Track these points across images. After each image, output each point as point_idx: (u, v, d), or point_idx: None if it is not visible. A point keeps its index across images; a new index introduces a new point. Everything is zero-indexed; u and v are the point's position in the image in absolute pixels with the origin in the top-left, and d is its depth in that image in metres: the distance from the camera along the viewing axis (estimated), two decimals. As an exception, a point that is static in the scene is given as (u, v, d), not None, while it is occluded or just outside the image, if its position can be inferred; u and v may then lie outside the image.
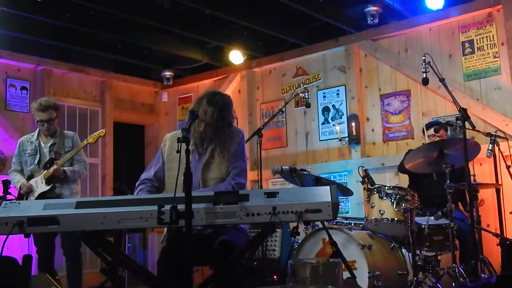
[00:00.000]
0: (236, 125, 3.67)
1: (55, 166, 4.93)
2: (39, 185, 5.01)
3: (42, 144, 5.14)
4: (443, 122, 5.40)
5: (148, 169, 3.61)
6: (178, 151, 2.67)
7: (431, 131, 5.08)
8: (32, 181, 5.03)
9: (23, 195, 5.03)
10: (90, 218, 2.76)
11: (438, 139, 4.97)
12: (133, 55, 7.78)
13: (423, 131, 5.23)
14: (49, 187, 4.97)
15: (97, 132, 5.28)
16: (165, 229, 3.31)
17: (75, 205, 2.82)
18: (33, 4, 6.03)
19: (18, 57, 6.98)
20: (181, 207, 2.58)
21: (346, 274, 3.70)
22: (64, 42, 7.09)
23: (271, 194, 2.77)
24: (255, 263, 4.95)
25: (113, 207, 2.79)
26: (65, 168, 5.01)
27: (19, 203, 2.90)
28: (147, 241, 7.84)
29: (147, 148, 8.61)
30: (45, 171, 4.99)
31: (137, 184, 3.57)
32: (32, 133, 5.29)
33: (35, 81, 7.19)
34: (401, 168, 5.14)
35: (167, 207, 2.60)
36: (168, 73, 8.17)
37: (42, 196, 4.94)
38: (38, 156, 5.10)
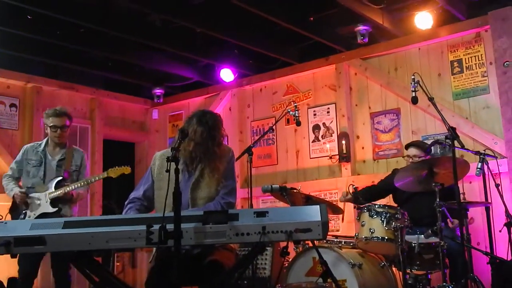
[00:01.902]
0: (226, 143, 3.67)
1: (66, 189, 4.79)
2: (43, 203, 4.81)
3: (49, 156, 4.97)
4: (433, 140, 5.42)
5: (137, 188, 3.59)
6: (168, 170, 2.66)
7: (406, 151, 5.22)
8: (34, 195, 4.82)
9: (17, 205, 4.82)
10: (77, 238, 2.73)
11: (412, 160, 5.09)
12: (124, 73, 7.78)
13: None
14: (55, 209, 4.80)
15: (121, 168, 5.05)
16: (154, 248, 3.28)
17: (63, 225, 2.79)
18: (23, 21, 6.03)
19: (7, 74, 6.95)
20: (170, 226, 2.56)
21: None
22: (55, 60, 7.08)
23: (261, 214, 2.76)
24: (245, 282, 4.91)
25: (101, 226, 2.76)
26: (73, 191, 4.86)
27: (6, 222, 2.86)
28: (136, 260, 7.76)
29: (137, 165, 8.56)
30: (51, 190, 4.82)
31: (126, 203, 3.54)
32: (39, 142, 5.10)
33: (25, 98, 7.15)
34: (385, 186, 5.19)
35: (156, 226, 2.58)
36: (158, 91, 8.17)
37: (43, 216, 4.75)
38: (43, 168, 4.92)
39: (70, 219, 2.84)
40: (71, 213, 4.97)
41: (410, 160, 5.14)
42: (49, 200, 4.82)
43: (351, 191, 5.00)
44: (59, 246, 2.76)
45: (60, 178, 4.89)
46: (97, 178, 5.07)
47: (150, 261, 3.39)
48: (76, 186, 4.85)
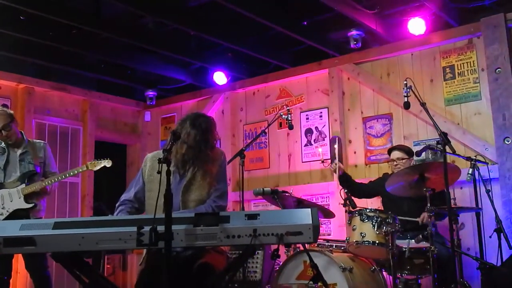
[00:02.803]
0: (219, 146, 3.67)
1: (43, 184, 4.67)
2: (15, 199, 4.68)
3: (11, 149, 4.82)
4: (425, 145, 5.44)
5: (128, 190, 3.58)
6: (159, 172, 2.65)
7: (390, 156, 5.29)
8: (3, 192, 4.69)
9: None
10: (68, 239, 2.71)
11: (396, 163, 5.17)
12: (116, 75, 7.76)
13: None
14: (30, 205, 4.69)
15: (100, 160, 4.94)
16: (144, 251, 3.27)
17: (53, 226, 2.77)
18: (16, 22, 6.01)
19: (-1, 74, 6.92)
20: (160, 228, 2.56)
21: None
22: (47, 61, 7.04)
23: (252, 216, 2.75)
24: (236, 285, 4.90)
25: (92, 228, 2.75)
26: (48, 185, 4.74)
27: (-5, 223, 2.84)
28: (126, 263, 7.74)
29: (129, 168, 8.54)
30: (23, 185, 4.70)
31: (117, 205, 3.53)
32: None
33: (16, 98, 7.12)
34: (372, 189, 5.23)
35: (147, 228, 2.57)
36: (151, 93, 8.16)
37: (17, 212, 4.66)
38: (5, 158, 4.77)
39: (60, 220, 2.82)
40: (41, 207, 4.85)
41: (394, 163, 5.21)
42: (22, 196, 4.70)
43: (343, 196, 5.01)
44: (49, 247, 2.74)
45: (31, 171, 4.78)
46: (75, 171, 4.96)
47: (140, 263, 3.38)
48: (53, 180, 4.75)
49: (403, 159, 5.18)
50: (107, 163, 4.97)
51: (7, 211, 4.71)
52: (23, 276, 6.38)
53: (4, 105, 5.50)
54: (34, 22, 6.08)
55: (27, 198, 4.74)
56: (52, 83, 7.46)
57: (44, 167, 4.93)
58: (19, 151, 4.88)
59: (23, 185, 4.75)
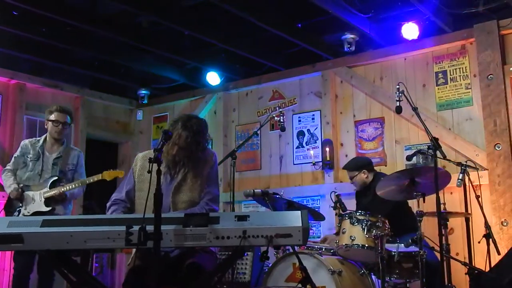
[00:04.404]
0: (210, 147, 3.67)
1: (61, 189, 4.84)
2: (37, 201, 4.86)
3: (47, 153, 5.03)
4: (416, 150, 5.46)
5: (120, 190, 3.56)
6: (149, 171, 2.64)
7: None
8: (29, 193, 4.88)
9: (12, 202, 4.90)
10: (55, 237, 2.70)
11: (352, 181, 5.34)
12: (109, 73, 7.73)
13: None
14: (48, 209, 4.85)
15: (115, 171, 5.09)
16: (133, 250, 3.26)
17: (41, 223, 2.76)
18: (9, 17, 5.97)
19: (-9, 70, 6.88)
20: (150, 228, 2.55)
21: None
22: (40, 57, 7.00)
23: (242, 218, 2.75)
24: (224, 287, 4.89)
25: (80, 226, 2.74)
26: (66, 191, 4.90)
27: (-18, 220, 2.83)
28: (115, 261, 7.70)
29: (120, 166, 8.47)
30: (47, 189, 4.87)
31: (108, 204, 3.51)
32: (38, 138, 5.18)
33: (8, 94, 7.08)
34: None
35: (136, 227, 2.56)
36: (143, 92, 8.13)
37: (37, 214, 4.77)
38: (40, 164, 4.98)
39: (48, 218, 2.81)
40: (64, 212, 4.97)
41: (352, 181, 5.37)
42: (43, 199, 4.86)
43: (334, 199, 5.01)
44: (37, 245, 2.73)
45: (55, 177, 4.94)
46: (91, 180, 5.08)
47: (129, 263, 3.37)
48: (70, 187, 4.90)
49: (353, 176, 5.31)
50: (120, 174, 5.11)
51: (28, 212, 4.86)
52: (5, 276, 6.34)
53: None
54: (27, 18, 6.04)
55: (48, 201, 4.88)
56: (44, 79, 7.42)
57: (74, 174, 5.10)
58: (53, 155, 5.04)
59: (46, 189, 4.90)
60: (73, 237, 2.69)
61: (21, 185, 4.92)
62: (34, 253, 4.70)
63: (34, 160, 4.98)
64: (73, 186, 4.90)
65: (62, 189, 4.85)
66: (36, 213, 4.81)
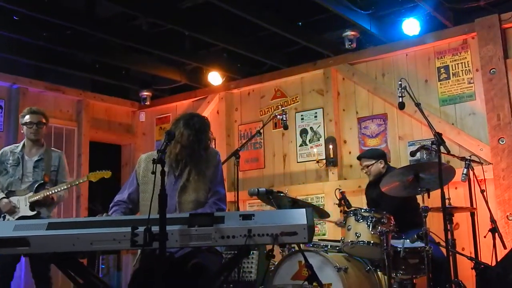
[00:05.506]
0: (213, 146, 3.66)
1: (47, 193, 4.82)
2: (22, 206, 4.83)
3: (26, 157, 4.99)
4: (419, 146, 5.44)
5: (122, 191, 3.56)
6: (153, 172, 2.64)
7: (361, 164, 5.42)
8: (14, 199, 4.84)
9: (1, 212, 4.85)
10: (62, 240, 2.70)
11: (365, 170, 5.32)
12: (111, 75, 7.74)
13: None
14: (33, 213, 4.82)
15: (101, 172, 5.10)
16: (139, 251, 3.25)
17: (47, 226, 2.76)
18: (9, 22, 5.98)
19: (-7, 75, 6.89)
20: (155, 229, 2.55)
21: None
22: (41, 61, 7.01)
23: (247, 217, 2.74)
24: (231, 286, 4.89)
25: (86, 228, 2.74)
26: (53, 194, 4.88)
27: (-12, 223, 2.83)
28: (121, 263, 7.72)
29: (124, 168, 8.51)
30: (31, 193, 4.85)
31: (110, 205, 3.51)
32: (16, 144, 5.16)
33: (10, 99, 7.09)
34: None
35: (141, 228, 2.56)
36: (146, 93, 8.14)
37: (23, 219, 4.69)
38: (21, 169, 4.94)
39: (54, 220, 2.81)
40: (48, 215, 4.95)
41: (364, 170, 5.37)
42: (28, 204, 4.84)
43: (338, 196, 5.01)
44: (43, 248, 2.73)
45: (41, 181, 4.92)
46: (77, 182, 5.12)
47: (134, 264, 3.37)
48: (56, 190, 4.88)
49: (370, 165, 5.28)
50: (106, 174, 5.12)
51: (13, 217, 4.82)
52: (16, 276, 6.33)
53: None
54: (27, 23, 6.05)
55: (33, 206, 4.86)
56: (46, 83, 7.43)
57: (56, 175, 5.05)
58: (34, 158, 5.00)
59: (31, 193, 4.88)
60: (79, 239, 2.69)
61: (6, 191, 4.88)
62: (15, 259, 4.71)
63: (14, 165, 4.94)
64: (59, 189, 4.88)
65: (48, 193, 4.84)
66: (22, 218, 4.76)
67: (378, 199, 5.03)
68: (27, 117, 5.00)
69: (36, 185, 4.90)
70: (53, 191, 4.86)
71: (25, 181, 4.94)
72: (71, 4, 5.86)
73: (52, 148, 5.25)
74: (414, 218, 4.73)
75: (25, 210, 4.83)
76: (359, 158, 5.49)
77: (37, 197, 4.83)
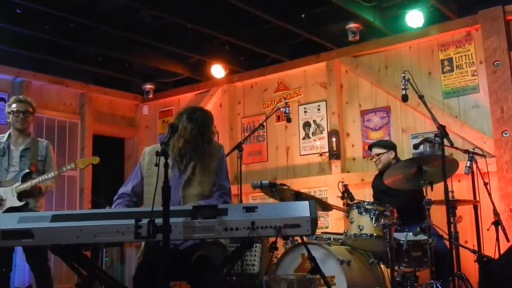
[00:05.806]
0: (217, 140, 3.66)
1: (33, 182, 4.76)
2: (9, 197, 4.76)
3: (12, 146, 4.94)
4: (423, 138, 5.44)
5: (126, 184, 3.57)
6: (157, 165, 2.65)
7: (371, 153, 5.40)
8: (0, 191, 4.78)
9: None
10: (65, 232, 2.71)
11: (375, 159, 5.31)
12: (114, 68, 7.74)
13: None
14: (22, 203, 4.77)
15: (89, 158, 5.07)
16: (143, 243, 3.27)
17: (51, 219, 2.77)
18: (12, 15, 5.98)
19: (-4, 68, 6.90)
20: (158, 221, 2.55)
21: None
22: (44, 54, 7.02)
23: (250, 209, 2.75)
24: (234, 278, 4.91)
25: (90, 220, 2.75)
26: (41, 184, 4.83)
27: (-8, 215, 2.84)
28: (125, 256, 7.74)
29: (127, 161, 8.53)
30: (18, 183, 4.78)
31: (114, 198, 3.53)
32: (2, 134, 5.08)
33: (14, 92, 7.08)
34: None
35: (145, 221, 2.57)
36: (148, 86, 8.13)
37: (10, 210, 4.70)
38: (6, 159, 4.88)
39: (58, 213, 2.82)
40: (35, 205, 4.89)
41: (374, 159, 5.34)
42: (15, 194, 4.78)
43: (341, 189, 5.01)
44: (47, 240, 2.74)
45: (27, 171, 4.85)
46: (64, 169, 5.00)
47: (138, 257, 3.38)
48: (43, 178, 4.81)
49: (380, 154, 5.26)
50: (94, 160, 5.06)
51: (1, 209, 4.77)
52: (21, 269, 6.37)
53: None
54: (30, 15, 6.05)
55: (21, 196, 4.81)
56: (49, 76, 7.43)
57: (44, 165, 5.00)
58: (20, 148, 4.95)
59: (18, 184, 4.82)
60: (82, 231, 2.70)
61: None
62: (11, 251, 4.71)
63: (0, 155, 4.89)
64: (46, 177, 4.81)
65: (34, 181, 4.77)
66: (10, 209, 4.72)
67: (386, 190, 4.97)
68: (14, 105, 4.95)
69: (22, 174, 4.83)
70: (40, 179, 4.79)
71: (10, 171, 4.87)
72: (74, -4, 5.86)
73: (39, 138, 5.19)
74: (415, 211, 4.72)
75: (12, 201, 4.76)
76: (370, 147, 5.45)
77: (24, 186, 4.77)
